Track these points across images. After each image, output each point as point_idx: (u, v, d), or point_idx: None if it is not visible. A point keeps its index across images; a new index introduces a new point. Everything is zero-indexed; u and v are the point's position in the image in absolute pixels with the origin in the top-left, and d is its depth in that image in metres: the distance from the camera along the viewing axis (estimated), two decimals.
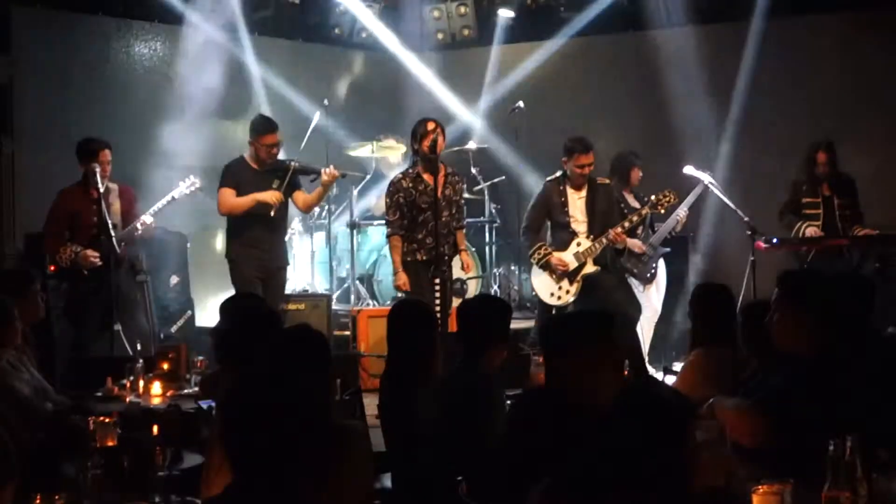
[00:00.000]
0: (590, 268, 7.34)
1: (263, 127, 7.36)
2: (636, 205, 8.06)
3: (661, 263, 8.44)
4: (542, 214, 7.49)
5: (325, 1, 10.33)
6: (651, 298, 8.32)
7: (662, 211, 7.53)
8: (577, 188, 7.39)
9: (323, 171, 7.38)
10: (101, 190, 6.95)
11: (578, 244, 7.35)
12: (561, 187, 7.40)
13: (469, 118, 10.50)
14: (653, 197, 7.47)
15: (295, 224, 9.46)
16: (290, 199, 7.46)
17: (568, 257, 7.35)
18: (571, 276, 7.35)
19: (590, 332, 3.37)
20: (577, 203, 7.39)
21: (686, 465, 2.56)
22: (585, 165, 7.31)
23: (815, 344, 3.63)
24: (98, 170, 6.93)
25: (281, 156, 7.54)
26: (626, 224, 7.37)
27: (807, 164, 7.92)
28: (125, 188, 7.28)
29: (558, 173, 7.48)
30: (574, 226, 7.38)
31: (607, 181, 7.63)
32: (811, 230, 7.81)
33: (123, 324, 7.15)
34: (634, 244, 8.01)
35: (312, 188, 7.57)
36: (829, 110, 9.18)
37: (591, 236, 7.33)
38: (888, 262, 7.62)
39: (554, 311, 7.39)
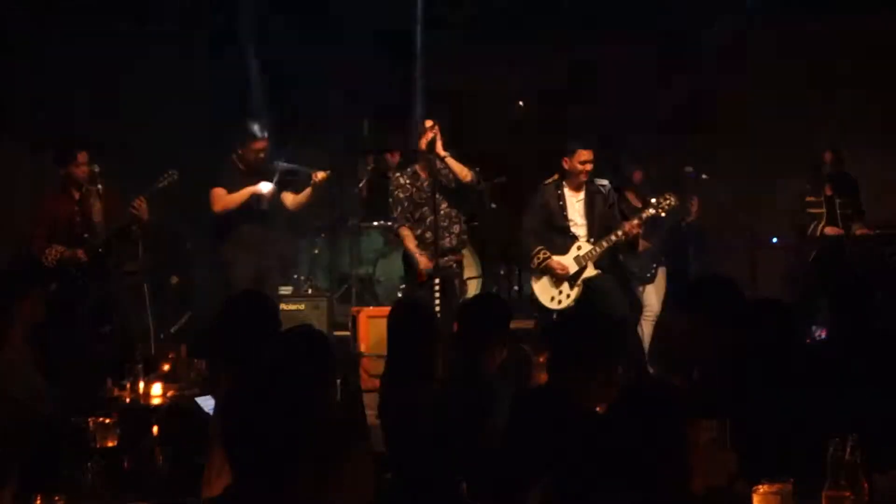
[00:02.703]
0: (591, 271, 7.23)
1: (252, 132, 7.42)
2: (638, 205, 8.03)
3: (662, 262, 8.43)
4: (540, 218, 7.39)
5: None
6: (651, 298, 8.31)
7: (663, 214, 7.43)
8: (576, 190, 7.30)
9: (312, 172, 7.48)
10: (83, 190, 7.02)
11: (579, 248, 7.25)
12: (559, 190, 7.31)
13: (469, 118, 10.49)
14: (653, 200, 7.37)
15: (294, 224, 9.48)
16: (279, 200, 7.52)
17: (568, 261, 7.25)
18: (572, 280, 7.25)
19: (601, 337, 3.38)
20: (575, 206, 7.30)
21: (686, 465, 2.56)
22: (588, 161, 7.22)
23: (718, 346, 3.67)
24: (77, 172, 6.99)
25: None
26: (637, 221, 7.25)
27: (812, 165, 7.91)
28: (107, 188, 7.28)
29: (555, 176, 7.40)
30: (574, 229, 7.28)
31: (605, 182, 7.54)
32: (828, 229, 7.77)
33: (115, 323, 7.16)
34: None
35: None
36: (829, 110, 9.19)
37: (592, 239, 7.26)
38: (888, 261, 7.63)
39: (555, 315, 7.35)
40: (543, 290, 7.36)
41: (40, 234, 7.11)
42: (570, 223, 7.30)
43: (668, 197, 7.28)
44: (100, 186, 7.14)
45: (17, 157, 8.58)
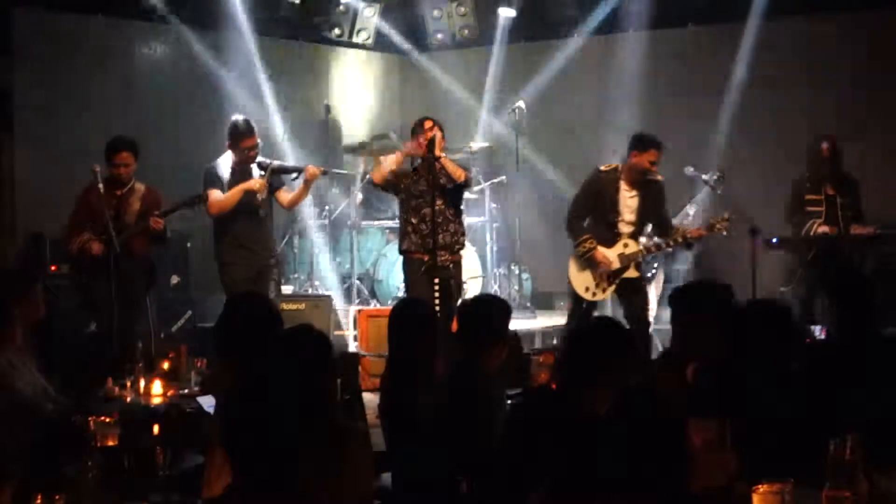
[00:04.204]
0: (632, 273, 7.14)
1: (241, 130, 7.43)
2: None
3: (662, 262, 8.44)
4: (589, 205, 7.23)
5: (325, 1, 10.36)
6: (651, 297, 8.31)
7: (725, 233, 7.24)
8: (632, 185, 7.12)
9: (306, 168, 7.49)
10: (124, 189, 7.20)
11: (625, 245, 7.12)
12: (616, 183, 7.13)
13: (470, 118, 10.52)
14: (710, 219, 7.30)
15: (294, 224, 9.49)
16: (273, 198, 7.53)
17: (612, 256, 7.12)
18: (612, 276, 7.13)
19: (611, 342, 3.39)
20: (628, 202, 7.14)
21: (686, 466, 2.56)
22: (655, 163, 7.08)
23: (719, 348, 3.69)
24: (114, 171, 7.13)
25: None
26: (701, 228, 7.20)
27: (811, 158, 7.84)
28: (150, 190, 7.39)
29: (613, 164, 7.24)
30: (621, 226, 7.14)
31: (660, 178, 7.27)
32: (822, 228, 7.73)
33: (125, 322, 7.18)
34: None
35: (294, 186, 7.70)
36: (830, 110, 9.18)
37: (640, 240, 7.16)
38: (888, 261, 7.62)
39: (584, 305, 7.23)
40: (579, 279, 7.23)
41: (73, 225, 7.28)
42: (619, 219, 7.16)
43: (726, 217, 7.17)
44: (141, 187, 7.29)
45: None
